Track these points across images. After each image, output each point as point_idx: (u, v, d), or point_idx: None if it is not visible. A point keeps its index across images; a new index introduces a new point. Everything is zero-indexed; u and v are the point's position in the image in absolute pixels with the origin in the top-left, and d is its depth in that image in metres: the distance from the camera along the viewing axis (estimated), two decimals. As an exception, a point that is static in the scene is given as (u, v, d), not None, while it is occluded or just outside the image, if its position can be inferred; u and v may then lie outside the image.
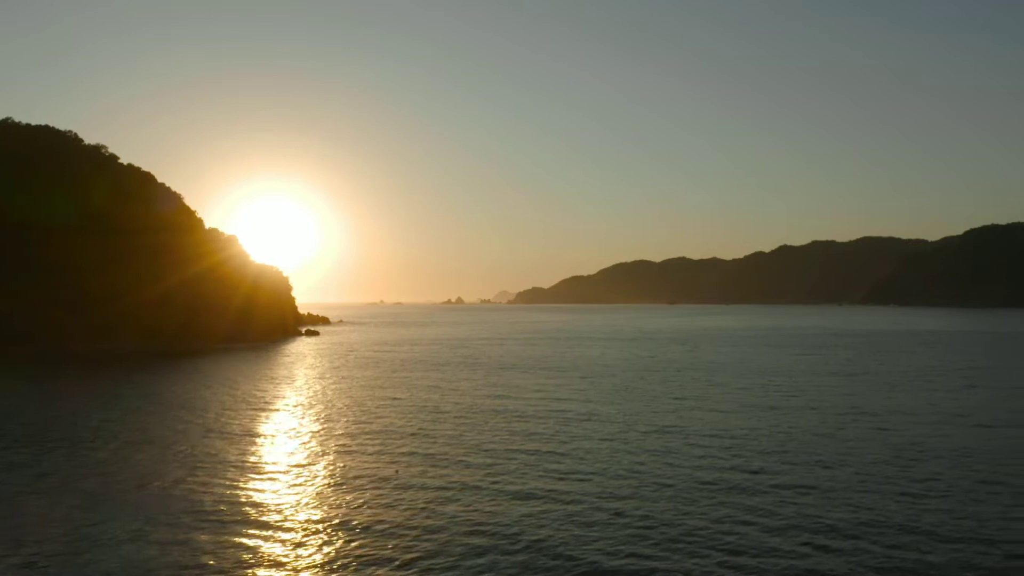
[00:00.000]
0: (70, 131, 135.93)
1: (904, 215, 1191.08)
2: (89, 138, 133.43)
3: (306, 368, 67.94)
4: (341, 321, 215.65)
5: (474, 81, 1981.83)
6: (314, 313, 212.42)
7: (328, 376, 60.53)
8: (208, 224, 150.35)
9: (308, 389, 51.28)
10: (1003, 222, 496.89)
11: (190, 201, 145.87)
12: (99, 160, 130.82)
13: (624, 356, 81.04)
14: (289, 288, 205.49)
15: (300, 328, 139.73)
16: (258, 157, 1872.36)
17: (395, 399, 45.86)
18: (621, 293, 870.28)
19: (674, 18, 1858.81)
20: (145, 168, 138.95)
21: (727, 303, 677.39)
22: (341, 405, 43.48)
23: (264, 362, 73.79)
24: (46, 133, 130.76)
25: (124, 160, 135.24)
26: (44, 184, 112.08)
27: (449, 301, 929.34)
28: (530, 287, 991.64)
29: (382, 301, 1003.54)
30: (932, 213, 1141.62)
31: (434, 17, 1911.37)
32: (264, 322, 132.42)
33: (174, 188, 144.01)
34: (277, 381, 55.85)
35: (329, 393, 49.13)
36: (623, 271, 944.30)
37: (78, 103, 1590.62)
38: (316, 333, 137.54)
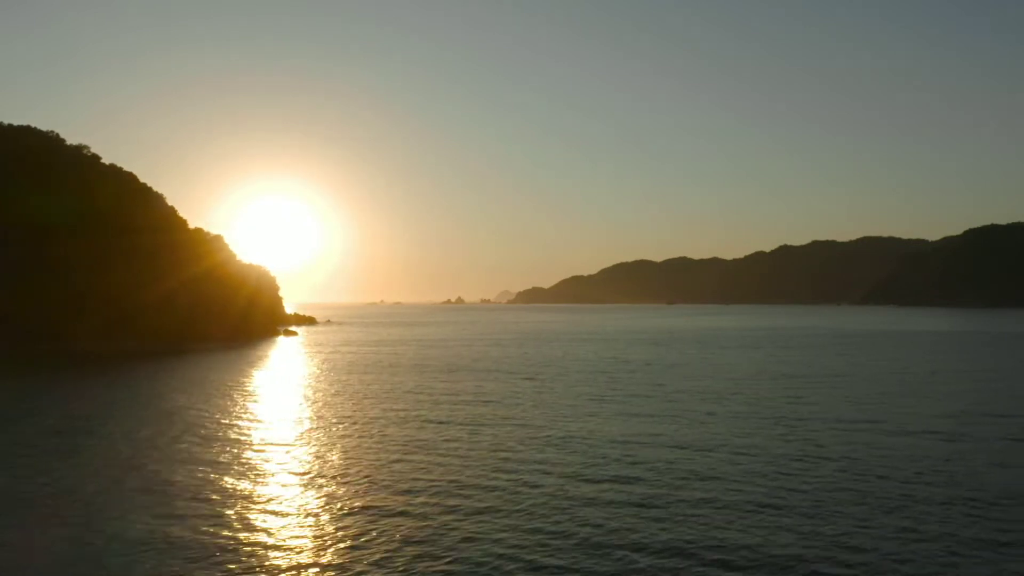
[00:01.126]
0: (52, 131, 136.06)
1: (905, 215, 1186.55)
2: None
3: (248, 369, 67.14)
4: (328, 321, 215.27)
5: (475, 80, 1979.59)
6: (302, 314, 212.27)
7: (263, 380, 59.76)
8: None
9: (226, 394, 49.75)
10: (1004, 222, 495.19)
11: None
12: (81, 160, 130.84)
13: (587, 357, 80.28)
14: (276, 288, 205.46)
15: (280, 328, 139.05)
16: (260, 157, 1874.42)
17: (312, 405, 44.97)
18: (621, 293, 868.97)
19: (674, 17, 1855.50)
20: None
21: (726, 303, 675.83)
22: (250, 413, 42.66)
23: (211, 364, 73.09)
24: (27, 133, 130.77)
25: (106, 160, 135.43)
26: (26, 184, 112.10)
27: (449, 301, 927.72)
28: (531, 287, 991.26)
29: (382, 301, 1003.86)
30: (933, 213, 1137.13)
31: (434, 16, 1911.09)
32: (244, 322, 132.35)
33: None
34: (200, 385, 54.85)
35: (248, 400, 47.99)
36: (624, 271, 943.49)
37: (77, 104, 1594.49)
38: (294, 334, 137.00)
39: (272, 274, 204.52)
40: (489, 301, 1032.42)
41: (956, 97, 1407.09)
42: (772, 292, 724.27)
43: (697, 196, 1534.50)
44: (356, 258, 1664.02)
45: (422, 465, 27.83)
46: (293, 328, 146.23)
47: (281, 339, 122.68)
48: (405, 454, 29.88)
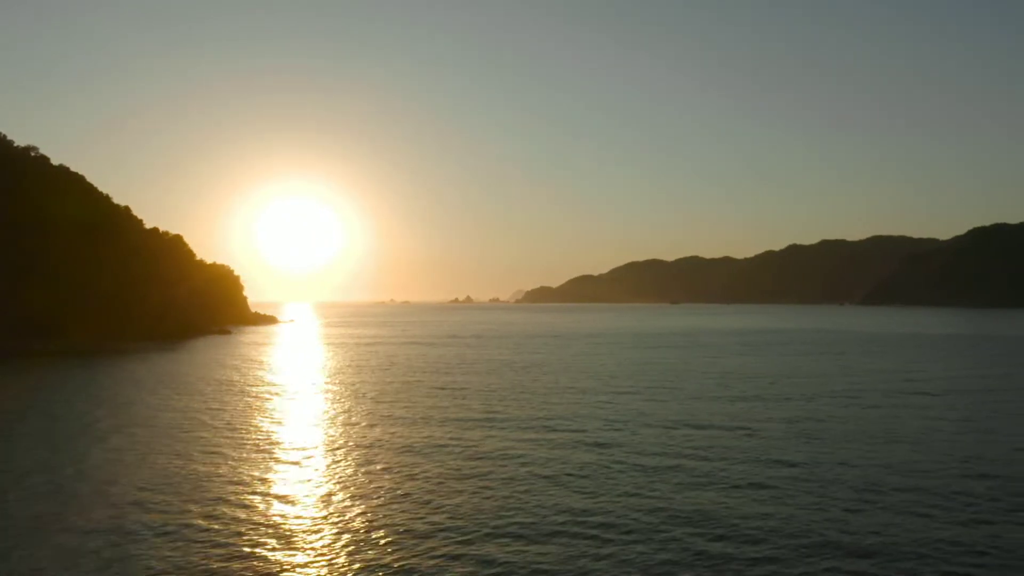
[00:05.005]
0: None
1: (916, 214, 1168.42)
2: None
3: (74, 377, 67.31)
4: (293, 320, 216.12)
5: (488, 79, 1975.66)
6: (265, 314, 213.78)
7: (77, 396, 59.83)
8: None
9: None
10: (1014, 221, 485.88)
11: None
12: (27, 161, 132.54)
13: (505, 356, 79.66)
14: (240, 287, 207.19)
15: (215, 328, 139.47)
16: (282, 158, 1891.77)
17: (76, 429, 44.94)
18: (631, 292, 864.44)
19: (687, 16, 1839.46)
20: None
21: (735, 303, 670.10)
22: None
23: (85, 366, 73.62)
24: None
25: (55, 162, 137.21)
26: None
27: (456, 300, 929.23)
28: (539, 286, 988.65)
29: (392, 300, 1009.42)
30: (944, 212, 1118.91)
31: (453, 15, 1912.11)
32: (179, 320, 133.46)
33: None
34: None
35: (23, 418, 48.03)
36: (635, 270, 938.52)
37: (86, 106, 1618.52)
38: (228, 332, 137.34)
39: (236, 274, 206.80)
40: (498, 300, 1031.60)
41: (969, 94, 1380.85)
42: (782, 292, 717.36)
43: (709, 195, 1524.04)
44: (376, 257, 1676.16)
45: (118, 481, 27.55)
46: (229, 328, 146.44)
47: (205, 339, 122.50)
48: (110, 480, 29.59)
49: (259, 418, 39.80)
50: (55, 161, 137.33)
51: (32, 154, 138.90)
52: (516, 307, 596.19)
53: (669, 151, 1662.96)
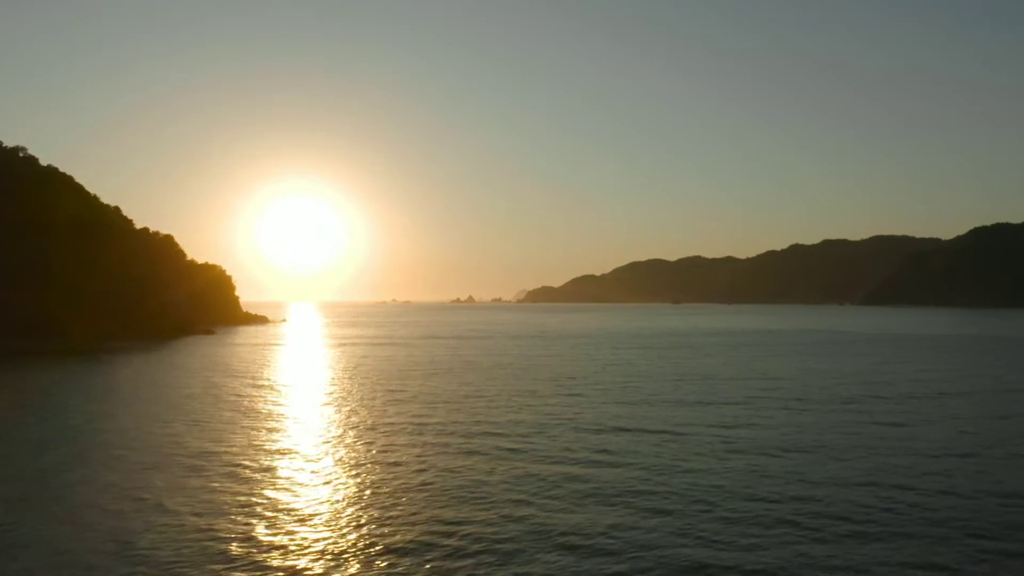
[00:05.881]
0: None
1: (917, 214, 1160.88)
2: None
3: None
4: (284, 320, 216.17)
5: (491, 80, 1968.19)
6: (256, 314, 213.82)
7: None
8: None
9: None
10: (1015, 220, 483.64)
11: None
12: (15, 162, 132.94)
13: (475, 358, 79.43)
14: (231, 288, 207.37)
15: (201, 328, 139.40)
16: (282, 157, 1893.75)
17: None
18: (633, 292, 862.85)
19: (688, 15, 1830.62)
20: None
21: (737, 303, 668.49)
22: None
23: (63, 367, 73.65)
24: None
25: (44, 162, 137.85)
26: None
27: (458, 300, 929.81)
28: (540, 286, 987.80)
29: (394, 300, 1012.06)
30: (945, 212, 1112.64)
31: (453, 14, 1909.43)
32: (172, 321, 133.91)
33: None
34: None
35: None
36: (637, 270, 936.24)
37: (85, 107, 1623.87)
38: (212, 332, 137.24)
39: (228, 274, 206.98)
40: (500, 300, 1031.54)
41: (970, 93, 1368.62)
42: (784, 291, 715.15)
43: (712, 195, 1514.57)
44: (380, 257, 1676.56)
45: None
46: (214, 328, 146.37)
47: (183, 340, 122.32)
48: None
49: (175, 426, 39.38)
50: (44, 162, 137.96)
51: (21, 155, 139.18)
52: (515, 307, 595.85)
53: (671, 151, 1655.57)
